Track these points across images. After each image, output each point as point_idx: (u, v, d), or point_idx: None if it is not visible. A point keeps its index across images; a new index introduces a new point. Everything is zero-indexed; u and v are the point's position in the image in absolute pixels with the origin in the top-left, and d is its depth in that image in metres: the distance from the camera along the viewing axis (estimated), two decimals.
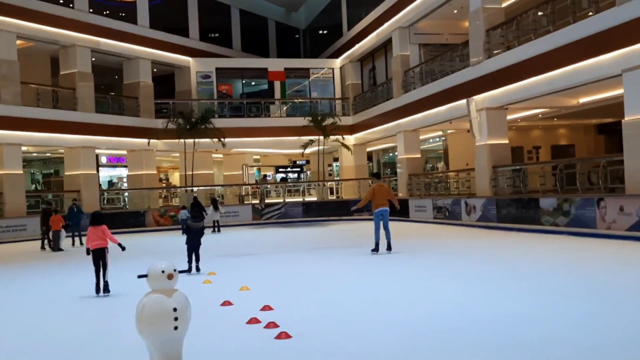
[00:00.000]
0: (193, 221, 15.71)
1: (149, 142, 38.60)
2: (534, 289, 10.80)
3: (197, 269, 15.54)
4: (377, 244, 17.87)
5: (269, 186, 42.96)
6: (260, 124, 42.68)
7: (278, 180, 49.36)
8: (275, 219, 36.57)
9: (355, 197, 38.58)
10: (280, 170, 52.15)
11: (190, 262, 15.54)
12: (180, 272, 5.97)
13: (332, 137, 39.74)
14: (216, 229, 30.57)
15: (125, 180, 43.52)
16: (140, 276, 5.91)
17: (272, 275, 14.56)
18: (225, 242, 25.55)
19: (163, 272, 5.67)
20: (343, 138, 40.68)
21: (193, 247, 15.66)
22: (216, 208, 30.55)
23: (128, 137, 38.45)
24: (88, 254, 12.74)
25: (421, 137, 36.49)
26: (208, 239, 24.49)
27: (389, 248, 17.84)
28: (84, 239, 26.23)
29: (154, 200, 38.28)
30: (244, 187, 41.85)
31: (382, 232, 18.29)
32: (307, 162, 51.15)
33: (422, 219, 30.93)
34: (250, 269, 16.04)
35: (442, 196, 30.86)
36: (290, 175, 51.98)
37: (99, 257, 12.64)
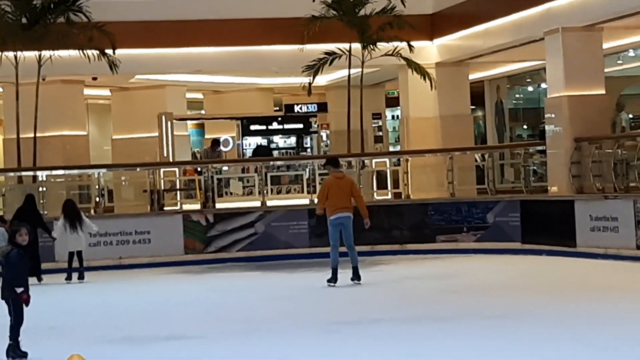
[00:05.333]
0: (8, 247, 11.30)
1: None
2: None
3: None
4: (334, 271, 15.45)
5: (225, 168, 30.73)
6: (206, 13, 28.38)
7: (248, 154, 37.64)
8: (240, 252, 24.41)
9: (436, 195, 26.16)
10: (254, 129, 39.37)
11: None
12: None
13: (384, 46, 26.24)
14: (73, 275, 20.19)
15: None
16: None
17: None
18: (110, 306, 17.08)
19: None
20: (411, 49, 26.48)
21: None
22: (75, 223, 20.12)
23: None
24: None
25: (608, 46, 24.74)
26: (60, 298, 17.49)
27: (355, 277, 15.40)
28: None
29: None
30: (162, 170, 27.83)
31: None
32: (320, 108, 39.66)
33: (609, 251, 21.41)
34: None
35: None
36: (279, 141, 39.36)
37: None
